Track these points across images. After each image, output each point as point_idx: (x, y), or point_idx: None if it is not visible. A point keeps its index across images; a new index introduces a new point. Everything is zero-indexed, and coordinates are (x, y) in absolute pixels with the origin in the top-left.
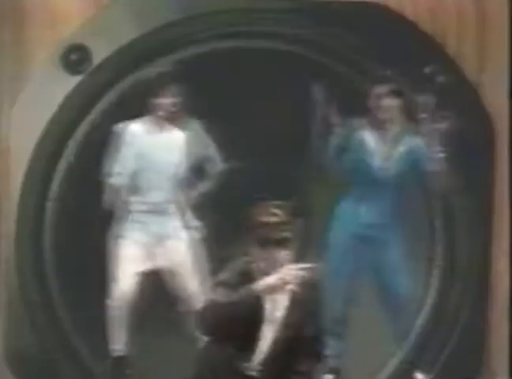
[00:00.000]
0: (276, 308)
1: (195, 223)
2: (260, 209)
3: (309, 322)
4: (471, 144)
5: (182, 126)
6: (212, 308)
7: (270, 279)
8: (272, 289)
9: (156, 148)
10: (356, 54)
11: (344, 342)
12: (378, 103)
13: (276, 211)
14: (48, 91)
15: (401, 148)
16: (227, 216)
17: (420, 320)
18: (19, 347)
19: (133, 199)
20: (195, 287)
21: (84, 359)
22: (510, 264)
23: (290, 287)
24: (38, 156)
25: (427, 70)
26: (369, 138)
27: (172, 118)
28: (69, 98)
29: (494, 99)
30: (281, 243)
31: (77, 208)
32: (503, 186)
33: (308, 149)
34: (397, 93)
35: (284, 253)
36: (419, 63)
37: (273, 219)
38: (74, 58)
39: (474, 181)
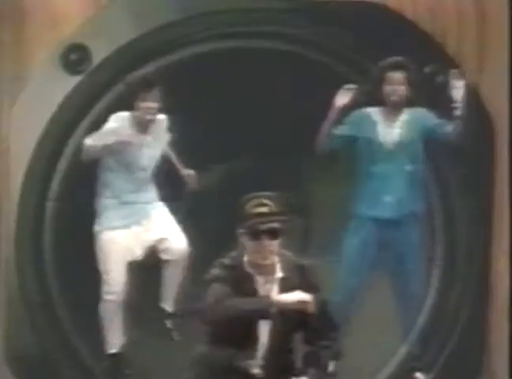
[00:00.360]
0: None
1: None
2: (251, 201)
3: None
4: (471, 144)
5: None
6: (221, 313)
7: (289, 298)
8: (289, 305)
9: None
10: (356, 53)
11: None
12: (383, 77)
13: (267, 201)
14: (48, 91)
15: (404, 117)
16: (227, 215)
17: (420, 321)
18: (19, 347)
19: (116, 182)
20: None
21: (83, 359)
22: (510, 264)
23: (309, 308)
24: (38, 156)
25: (427, 70)
26: (373, 113)
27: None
28: (68, 98)
29: (494, 99)
30: (272, 233)
31: (77, 208)
32: (503, 186)
33: (309, 148)
34: (400, 66)
35: (275, 243)
36: (419, 63)
37: (263, 210)
38: (74, 57)
39: (474, 181)
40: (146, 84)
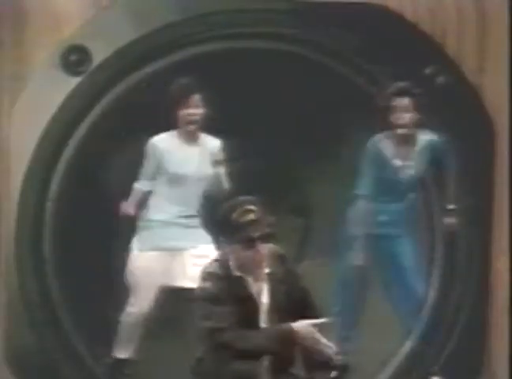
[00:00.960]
0: (263, 294)
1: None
2: (236, 209)
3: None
4: (471, 144)
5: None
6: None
7: (304, 327)
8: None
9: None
10: (356, 54)
11: (354, 342)
12: (390, 104)
13: (252, 207)
14: (48, 91)
15: (417, 149)
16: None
17: (420, 320)
18: (19, 347)
19: (153, 211)
20: None
21: (83, 359)
22: (510, 264)
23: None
24: (38, 156)
25: (427, 70)
26: (384, 147)
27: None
28: (68, 99)
29: (494, 99)
30: (266, 238)
31: (77, 208)
32: (503, 186)
33: (309, 148)
34: (406, 92)
35: (268, 247)
36: (419, 63)
37: (253, 217)
38: (74, 58)
39: (474, 181)
40: (185, 91)
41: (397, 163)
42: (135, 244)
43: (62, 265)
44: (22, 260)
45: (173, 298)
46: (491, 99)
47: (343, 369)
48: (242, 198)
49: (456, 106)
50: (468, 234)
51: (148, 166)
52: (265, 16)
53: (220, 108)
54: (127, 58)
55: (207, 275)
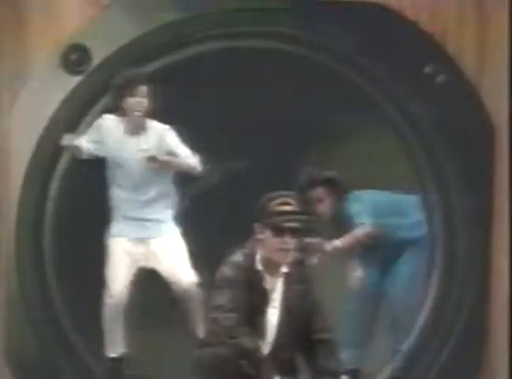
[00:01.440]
0: (276, 291)
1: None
2: (275, 199)
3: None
4: (471, 144)
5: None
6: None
7: None
8: None
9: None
10: (356, 54)
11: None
12: None
13: (290, 200)
14: (48, 91)
15: None
16: (227, 216)
17: (420, 320)
18: (19, 347)
19: (122, 195)
20: (189, 282)
21: (83, 359)
22: (510, 264)
23: None
24: (38, 156)
25: (426, 69)
26: None
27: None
28: (69, 98)
29: (494, 99)
30: (294, 232)
31: (77, 208)
32: (503, 186)
33: (308, 148)
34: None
35: (294, 242)
36: (419, 62)
37: (288, 208)
38: (74, 57)
39: (474, 181)
40: (132, 81)
41: None
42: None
43: (62, 265)
44: (22, 260)
45: (149, 283)
46: (491, 98)
47: (354, 374)
48: (283, 192)
49: (456, 106)
50: (468, 234)
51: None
52: (265, 16)
53: (219, 108)
54: (127, 58)
55: (229, 262)
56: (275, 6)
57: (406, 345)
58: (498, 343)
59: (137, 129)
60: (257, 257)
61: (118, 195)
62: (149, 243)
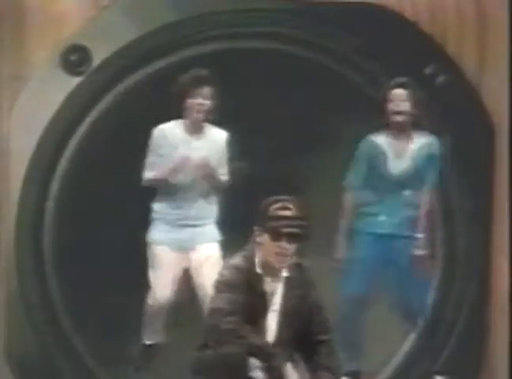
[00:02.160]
0: (276, 294)
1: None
2: (276, 203)
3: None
4: (471, 144)
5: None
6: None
7: None
8: None
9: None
10: (356, 54)
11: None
12: (388, 96)
13: (290, 205)
14: (48, 91)
15: (414, 146)
16: (227, 216)
17: (420, 321)
18: (19, 347)
19: (167, 200)
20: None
21: (83, 359)
22: (510, 264)
23: None
24: (38, 156)
25: (427, 70)
26: (381, 143)
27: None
28: (69, 98)
29: (494, 99)
30: (293, 237)
31: (77, 208)
32: (503, 186)
33: (309, 148)
34: (403, 84)
35: (293, 247)
36: (419, 63)
37: (287, 213)
38: (74, 58)
39: (474, 181)
40: (196, 82)
41: (391, 157)
42: (151, 234)
43: (62, 265)
44: (22, 260)
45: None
46: (491, 98)
47: (354, 375)
48: (284, 196)
49: (456, 106)
50: (468, 234)
51: (152, 155)
52: (265, 16)
53: (219, 108)
54: (127, 58)
55: (229, 265)
56: (275, 7)
57: (406, 345)
58: (498, 343)
59: (196, 130)
60: (257, 260)
61: (162, 200)
62: (190, 250)
